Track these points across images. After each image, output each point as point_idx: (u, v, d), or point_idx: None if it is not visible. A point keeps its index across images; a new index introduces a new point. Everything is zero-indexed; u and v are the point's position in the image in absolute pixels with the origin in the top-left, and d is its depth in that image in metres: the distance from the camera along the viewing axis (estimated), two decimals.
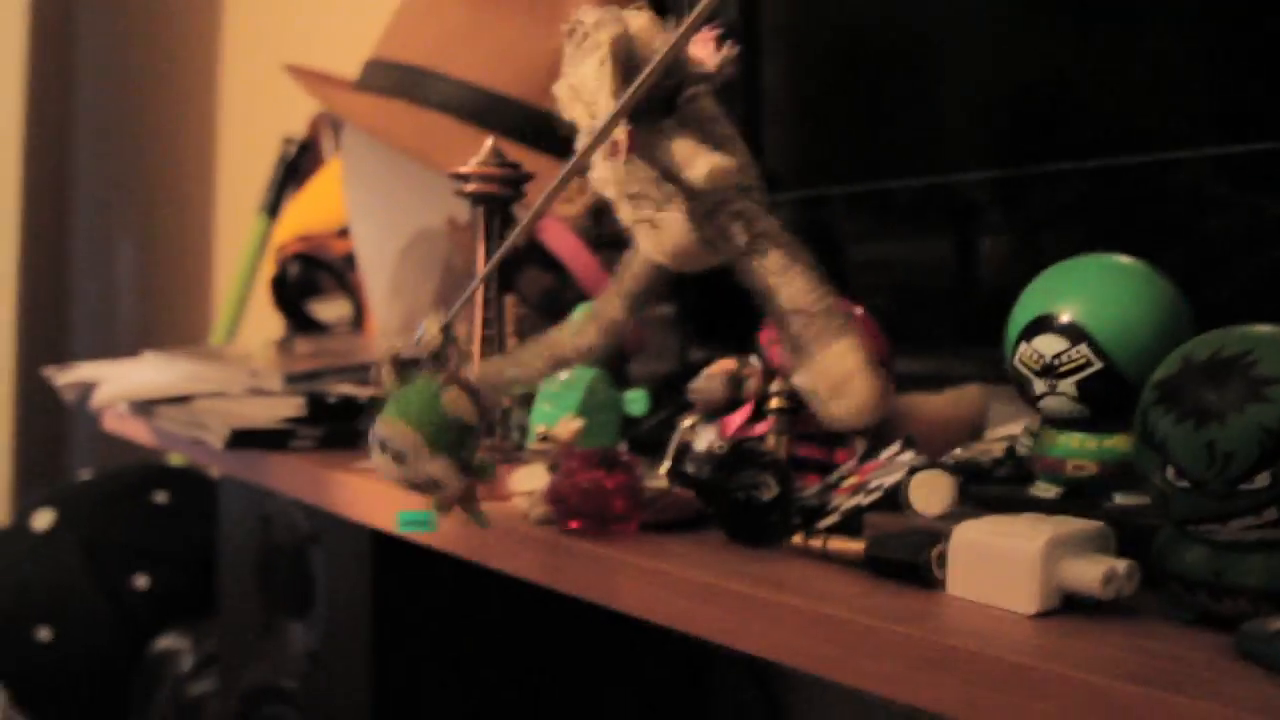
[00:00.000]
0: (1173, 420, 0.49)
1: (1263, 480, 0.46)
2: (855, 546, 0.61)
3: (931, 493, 0.62)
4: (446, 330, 0.62)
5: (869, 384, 0.57)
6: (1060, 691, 0.45)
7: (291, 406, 0.98)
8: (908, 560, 0.58)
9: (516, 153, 1.13)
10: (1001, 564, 0.53)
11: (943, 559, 0.56)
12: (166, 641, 1.57)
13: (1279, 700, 0.42)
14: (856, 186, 1.07)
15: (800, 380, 0.60)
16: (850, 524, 0.64)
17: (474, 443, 0.60)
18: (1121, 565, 0.51)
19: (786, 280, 0.59)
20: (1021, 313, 0.62)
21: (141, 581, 1.65)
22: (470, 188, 0.82)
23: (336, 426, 0.98)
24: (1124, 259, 0.61)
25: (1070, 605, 0.53)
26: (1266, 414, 0.46)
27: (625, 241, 1.05)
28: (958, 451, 0.72)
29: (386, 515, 0.77)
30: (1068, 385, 0.59)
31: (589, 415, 0.75)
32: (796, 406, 0.73)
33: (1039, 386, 0.60)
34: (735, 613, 0.58)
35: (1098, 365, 0.58)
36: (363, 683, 0.96)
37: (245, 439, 0.96)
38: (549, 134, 1.15)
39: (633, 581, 0.63)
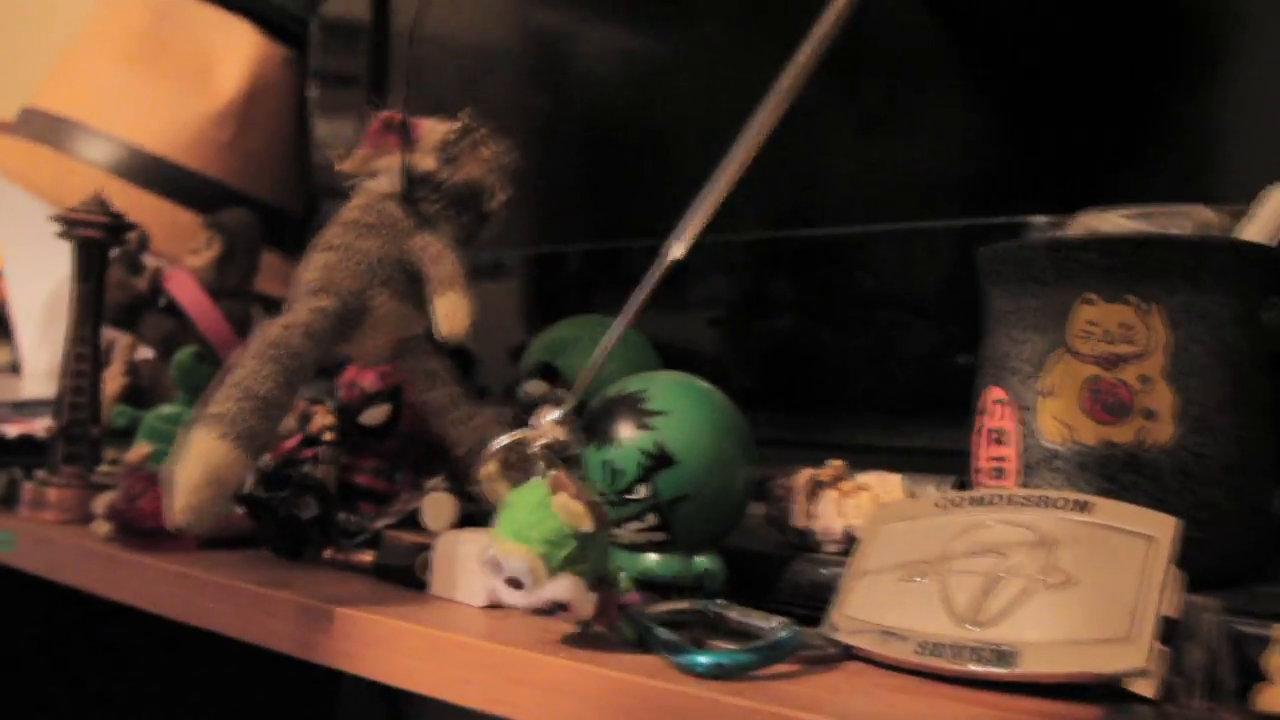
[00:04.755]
0: (591, 445, 0.60)
1: (642, 491, 0.58)
2: (368, 557, 0.70)
3: (439, 512, 0.72)
4: (573, 420, 0.55)
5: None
6: (493, 662, 0.55)
7: None
8: (402, 566, 0.67)
9: (158, 206, 1.19)
10: (460, 567, 0.63)
11: (427, 565, 0.66)
12: None
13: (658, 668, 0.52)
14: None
15: None
16: (376, 540, 0.73)
17: (599, 553, 0.53)
18: None
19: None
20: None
21: None
22: (74, 231, 0.88)
23: None
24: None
25: None
26: (646, 440, 0.58)
27: (246, 293, 1.12)
28: None
29: None
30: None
31: (162, 442, 0.82)
32: (355, 439, 0.81)
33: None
34: (246, 610, 0.66)
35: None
36: None
37: None
38: (191, 190, 1.22)
39: (169, 587, 0.70)
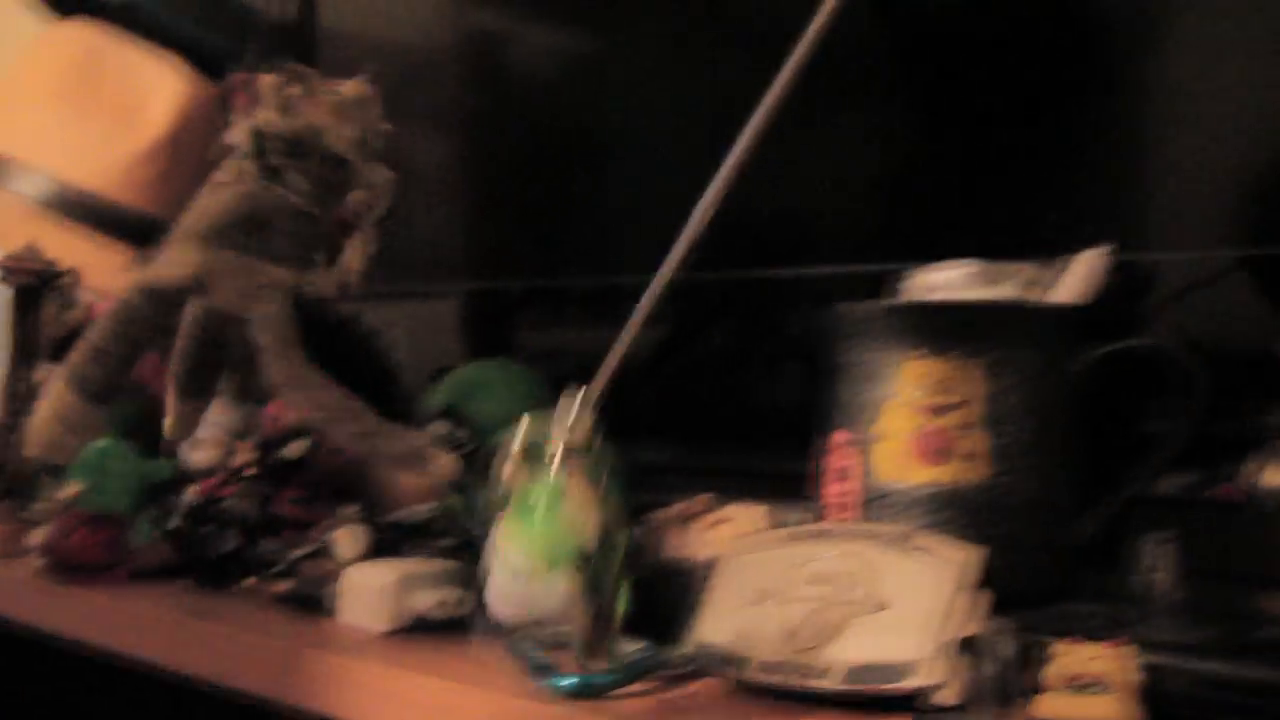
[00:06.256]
0: (481, 484, 0.66)
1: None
2: (284, 586, 0.76)
3: (350, 543, 0.78)
4: (598, 415, 0.54)
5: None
6: (387, 686, 0.61)
7: None
8: (312, 595, 0.73)
9: (90, 240, 1.24)
10: (368, 595, 0.69)
11: (335, 594, 0.72)
12: None
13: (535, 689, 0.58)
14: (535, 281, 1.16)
15: None
16: (292, 570, 0.79)
17: (605, 557, 0.52)
18: (454, 594, 0.69)
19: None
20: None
21: None
22: (10, 278, 0.93)
23: None
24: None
25: (424, 625, 0.69)
26: None
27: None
28: (400, 512, 0.88)
29: None
30: None
31: (94, 480, 0.87)
32: (278, 472, 0.88)
33: None
34: (170, 639, 0.72)
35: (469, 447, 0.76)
36: None
37: None
38: (121, 224, 1.27)
39: (97, 617, 0.76)
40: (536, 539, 0.51)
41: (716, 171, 0.58)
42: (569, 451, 0.53)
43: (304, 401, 0.71)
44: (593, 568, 0.52)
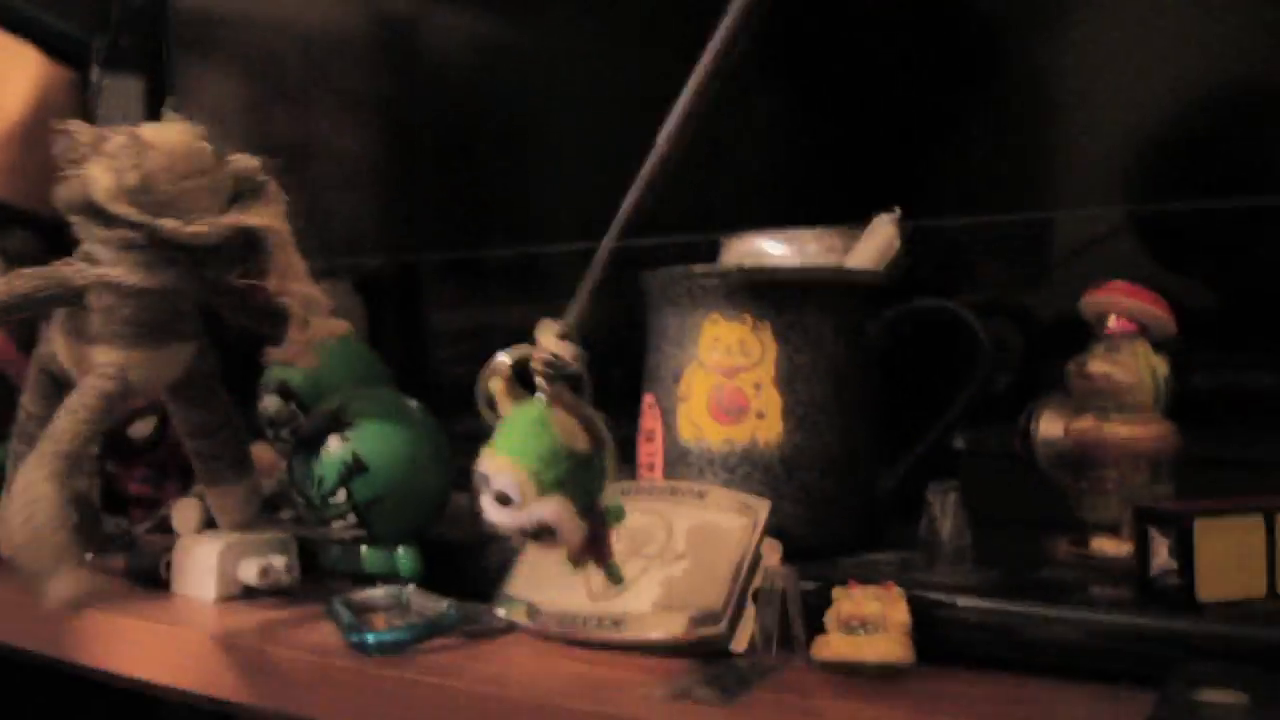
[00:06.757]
0: (299, 457, 0.68)
1: (341, 496, 0.67)
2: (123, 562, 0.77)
3: (186, 517, 0.79)
4: (571, 337, 0.52)
5: None
6: (214, 651, 0.63)
7: None
8: (148, 568, 0.74)
9: None
10: (197, 565, 0.71)
11: (169, 566, 0.73)
12: None
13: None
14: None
15: None
16: (132, 545, 0.80)
17: (594, 478, 0.51)
18: (279, 562, 0.70)
19: None
20: None
21: None
22: None
23: None
24: None
25: (252, 593, 0.71)
26: (343, 451, 0.67)
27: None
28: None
29: None
30: None
31: None
32: (124, 450, 0.88)
33: None
34: (9, 615, 0.73)
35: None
36: None
37: None
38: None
39: None
40: (523, 464, 0.49)
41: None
42: (552, 377, 0.51)
43: None
44: (582, 490, 0.50)
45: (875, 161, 0.85)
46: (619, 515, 0.53)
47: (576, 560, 0.52)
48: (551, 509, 0.49)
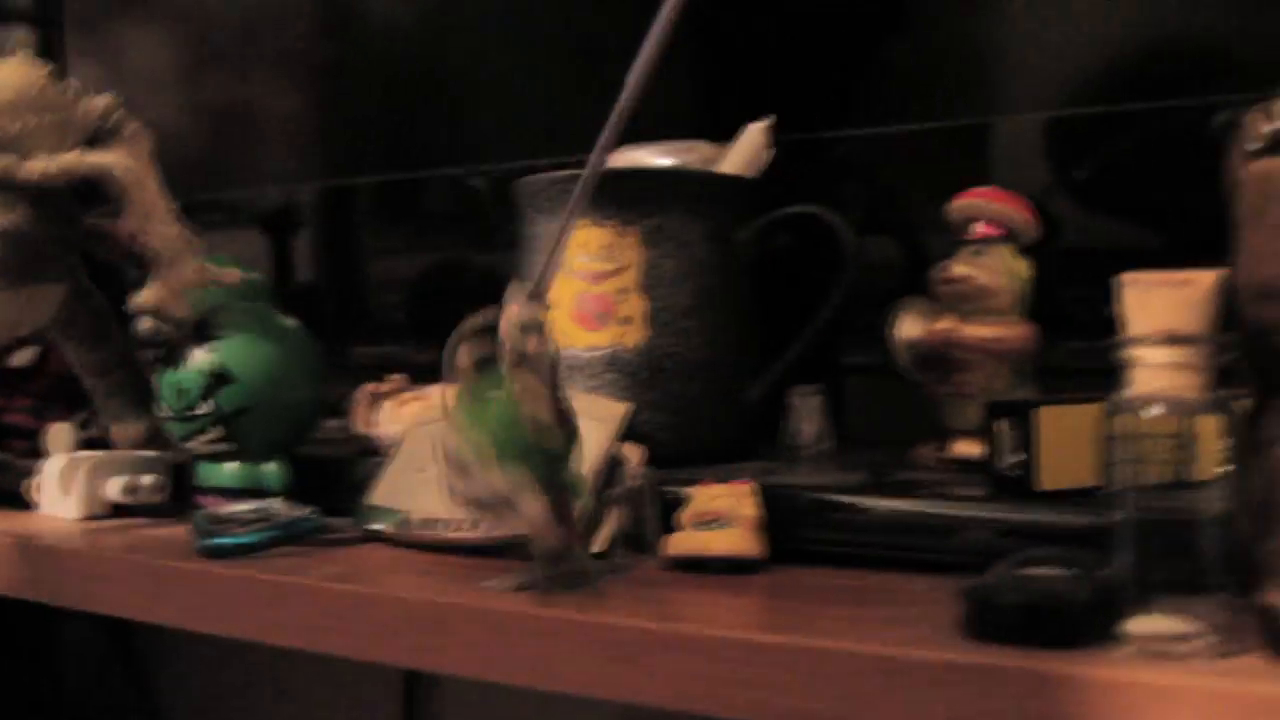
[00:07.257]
0: (164, 371, 0.67)
1: (205, 407, 0.66)
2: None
3: (57, 440, 0.78)
4: (539, 304, 0.50)
5: None
6: (72, 565, 0.62)
7: None
8: (11, 490, 0.73)
9: None
10: (63, 483, 0.70)
11: (36, 486, 0.72)
12: None
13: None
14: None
15: None
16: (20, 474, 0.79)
17: (557, 452, 0.49)
18: (147, 480, 0.69)
19: None
20: None
21: None
22: None
23: None
24: None
25: (121, 510, 0.70)
26: (207, 362, 0.66)
27: None
28: None
29: None
30: None
31: None
32: (6, 381, 0.87)
33: None
34: None
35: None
36: None
37: None
38: None
39: None
40: (487, 432, 0.48)
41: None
42: (519, 342, 0.49)
43: None
44: (546, 458, 0.49)
45: (756, 78, 0.85)
46: (580, 490, 0.52)
47: (538, 535, 0.49)
48: (509, 481, 0.48)
